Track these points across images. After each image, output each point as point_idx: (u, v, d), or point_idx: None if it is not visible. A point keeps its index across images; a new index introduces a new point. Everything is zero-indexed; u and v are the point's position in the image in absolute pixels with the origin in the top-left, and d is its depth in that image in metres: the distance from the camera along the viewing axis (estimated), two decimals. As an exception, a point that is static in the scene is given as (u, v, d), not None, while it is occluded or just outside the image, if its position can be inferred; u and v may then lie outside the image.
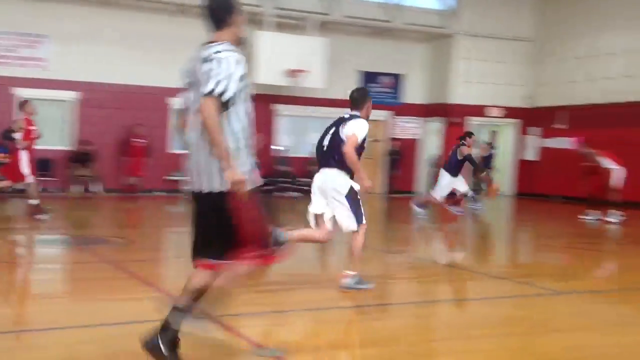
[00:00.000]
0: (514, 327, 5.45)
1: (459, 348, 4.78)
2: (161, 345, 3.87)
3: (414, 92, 20.88)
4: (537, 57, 20.93)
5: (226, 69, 3.79)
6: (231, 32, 3.98)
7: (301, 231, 6.33)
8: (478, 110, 20.72)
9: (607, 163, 13.36)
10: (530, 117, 21.08)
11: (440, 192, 13.17)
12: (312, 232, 6.33)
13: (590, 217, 13.65)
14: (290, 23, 18.18)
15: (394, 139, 20.40)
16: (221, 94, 3.77)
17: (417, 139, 21.02)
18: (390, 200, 18.92)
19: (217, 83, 3.76)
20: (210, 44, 3.92)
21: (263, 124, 16.85)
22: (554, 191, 19.83)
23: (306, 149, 17.28)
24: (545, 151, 20.55)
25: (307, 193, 6.56)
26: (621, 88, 18.17)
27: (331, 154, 6.16)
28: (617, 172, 13.29)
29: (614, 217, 13.30)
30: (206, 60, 3.85)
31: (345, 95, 6.73)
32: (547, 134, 20.53)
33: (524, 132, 21.17)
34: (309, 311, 5.69)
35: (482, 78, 20.66)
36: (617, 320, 5.92)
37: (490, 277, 7.89)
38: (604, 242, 12.00)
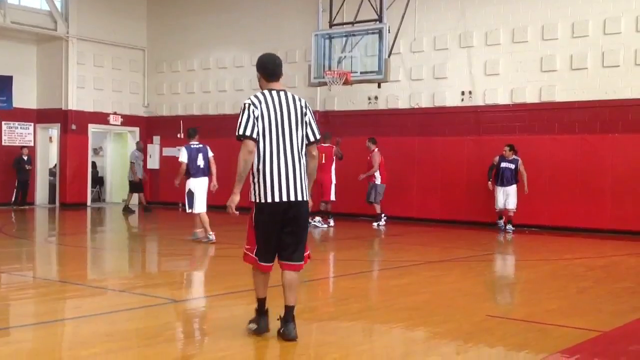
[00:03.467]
0: (128, 341, 5.27)
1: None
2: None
3: (25, 96, 19.48)
4: (153, 67, 21.22)
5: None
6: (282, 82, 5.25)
7: None
8: (98, 117, 20.19)
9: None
10: (150, 126, 21.28)
11: None
12: None
13: None
14: None
15: (24, 147, 19.13)
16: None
17: (31, 146, 19.76)
18: (18, 213, 17.55)
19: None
20: (282, 90, 5.12)
21: None
22: (175, 199, 20.31)
23: None
24: (165, 160, 20.93)
25: None
26: (232, 100, 19.47)
27: None
28: None
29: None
30: (304, 107, 5.13)
31: None
32: (166, 143, 20.94)
33: (147, 141, 21.26)
34: None
35: (99, 84, 20.21)
36: (230, 322, 6.23)
37: (108, 291, 7.64)
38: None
